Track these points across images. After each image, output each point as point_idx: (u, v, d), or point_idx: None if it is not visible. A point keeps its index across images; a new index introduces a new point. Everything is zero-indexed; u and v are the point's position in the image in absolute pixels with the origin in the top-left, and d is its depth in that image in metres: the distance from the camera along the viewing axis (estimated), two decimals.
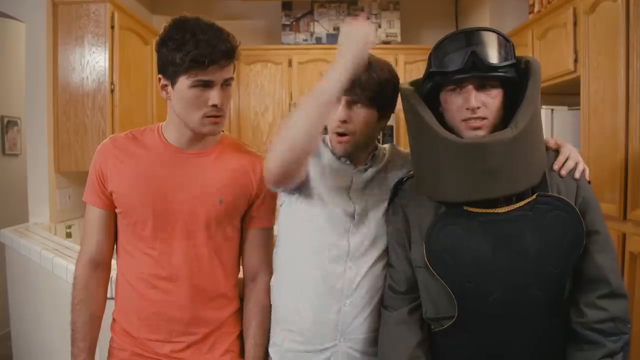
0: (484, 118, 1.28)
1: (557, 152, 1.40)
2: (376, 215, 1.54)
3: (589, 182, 1.38)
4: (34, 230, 2.90)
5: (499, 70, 1.28)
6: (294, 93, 4.28)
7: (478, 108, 1.27)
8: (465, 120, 1.29)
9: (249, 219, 1.61)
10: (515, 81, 1.31)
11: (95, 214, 1.51)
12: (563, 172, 1.35)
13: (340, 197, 1.53)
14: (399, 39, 4.44)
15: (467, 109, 1.27)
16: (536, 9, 3.37)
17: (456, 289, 1.32)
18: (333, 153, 1.57)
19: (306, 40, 4.47)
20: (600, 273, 1.30)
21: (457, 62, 1.26)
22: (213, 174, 1.52)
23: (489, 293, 1.30)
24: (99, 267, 1.54)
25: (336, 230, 1.51)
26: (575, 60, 2.80)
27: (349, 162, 1.56)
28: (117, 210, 1.51)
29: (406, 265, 1.44)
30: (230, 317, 1.59)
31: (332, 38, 4.42)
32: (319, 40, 4.46)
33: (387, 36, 4.44)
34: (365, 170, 1.57)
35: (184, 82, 1.37)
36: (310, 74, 4.24)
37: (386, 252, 1.53)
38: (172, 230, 1.48)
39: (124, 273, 1.53)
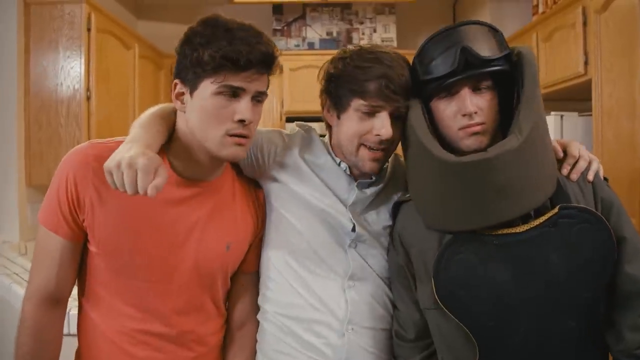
0: (482, 123, 1.12)
1: (565, 154, 1.22)
2: (379, 239, 1.34)
3: (606, 179, 1.20)
4: (1, 250, 2.66)
5: (496, 63, 1.12)
6: (285, 101, 4.08)
7: (475, 113, 1.11)
8: (462, 128, 1.13)
9: (242, 263, 1.38)
10: (509, 78, 1.16)
11: (56, 245, 1.19)
12: (574, 175, 1.17)
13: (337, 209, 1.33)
14: (394, 43, 4.28)
15: (464, 115, 1.12)
16: (540, 9, 3.21)
17: (475, 329, 1.11)
18: (334, 160, 1.37)
19: (298, 45, 4.29)
20: (637, 287, 1.10)
21: (448, 63, 1.11)
22: (222, 213, 1.29)
23: (514, 330, 1.09)
24: (57, 305, 1.24)
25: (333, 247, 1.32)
26: (586, 63, 2.61)
27: (349, 173, 1.35)
28: (91, 248, 1.21)
29: (412, 308, 1.25)
30: None
31: (325, 43, 4.24)
32: (311, 46, 4.28)
33: (382, 41, 4.26)
34: (368, 185, 1.35)
35: (207, 87, 1.14)
36: (303, 81, 4.02)
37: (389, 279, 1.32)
38: (170, 281, 1.23)
39: (95, 322, 1.24)
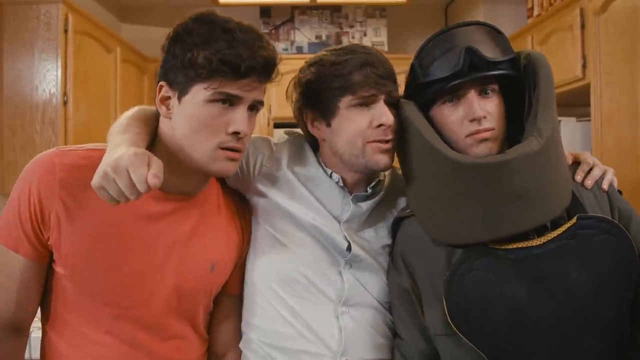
0: (491, 128, 1.08)
1: (577, 164, 1.16)
2: (377, 259, 1.21)
3: (620, 192, 1.15)
4: None
5: (503, 66, 1.08)
6: (273, 107, 3.95)
7: (484, 118, 1.07)
8: (470, 134, 1.05)
9: (226, 284, 1.25)
10: (514, 83, 1.12)
11: (17, 265, 1.05)
12: (589, 181, 1.10)
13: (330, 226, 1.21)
14: (385, 47, 4.18)
15: (472, 120, 1.07)
16: (536, 12, 3.12)
17: (492, 353, 1.01)
18: (325, 171, 1.24)
19: (286, 49, 4.17)
20: None
21: (452, 64, 1.05)
22: (207, 230, 1.16)
23: (533, 352, 1.00)
24: (17, 335, 1.09)
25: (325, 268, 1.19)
26: (584, 66, 2.52)
27: (342, 185, 1.22)
28: (57, 269, 1.07)
29: (417, 336, 1.12)
30: None
31: (314, 47, 4.13)
32: (300, 50, 4.16)
33: (373, 45, 4.15)
34: (365, 199, 1.23)
35: (199, 93, 1.02)
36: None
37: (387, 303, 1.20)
38: (148, 305, 1.09)
39: (62, 352, 1.09)
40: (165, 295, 1.10)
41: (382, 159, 1.16)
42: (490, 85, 1.09)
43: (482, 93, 1.09)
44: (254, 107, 1.09)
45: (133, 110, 1.16)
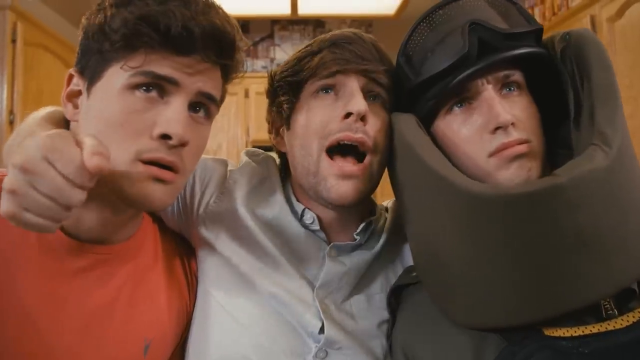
0: (526, 141, 0.71)
1: None
2: (368, 345, 0.84)
3: None
4: None
5: (526, 41, 0.74)
6: (251, 129, 3.67)
7: (512, 124, 0.71)
8: (496, 152, 0.72)
9: None
10: (543, 77, 0.77)
11: None
12: None
13: (297, 299, 0.84)
14: None
15: (496, 129, 0.71)
16: None
17: None
18: (293, 209, 0.89)
19: (265, 67, 3.96)
20: None
21: (454, 49, 0.73)
22: (139, 293, 0.82)
23: None
24: None
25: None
26: None
27: (319, 229, 0.87)
28: None
29: None
30: None
31: None
32: None
33: None
34: (351, 250, 0.88)
35: (114, 78, 0.69)
36: None
37: None
38: None
39: None
40: None
41: (340, 187, 0.80)
42: (512, 76, 0.75)
43: (504, 89, 0.75)
44: (200, 105, 0.74)
45: (44, 109, 0.81)
